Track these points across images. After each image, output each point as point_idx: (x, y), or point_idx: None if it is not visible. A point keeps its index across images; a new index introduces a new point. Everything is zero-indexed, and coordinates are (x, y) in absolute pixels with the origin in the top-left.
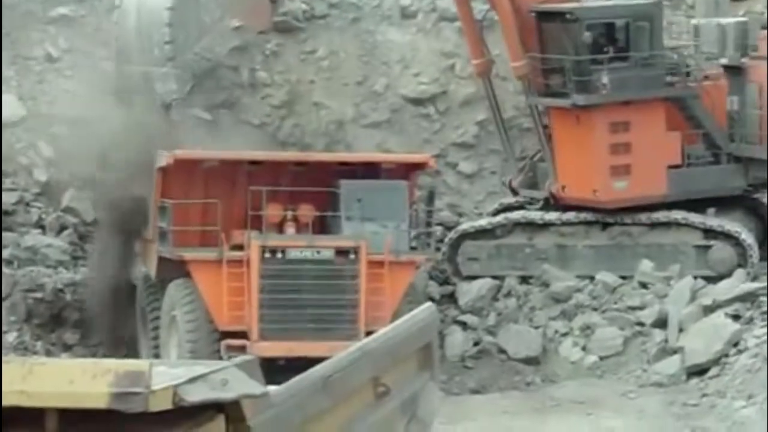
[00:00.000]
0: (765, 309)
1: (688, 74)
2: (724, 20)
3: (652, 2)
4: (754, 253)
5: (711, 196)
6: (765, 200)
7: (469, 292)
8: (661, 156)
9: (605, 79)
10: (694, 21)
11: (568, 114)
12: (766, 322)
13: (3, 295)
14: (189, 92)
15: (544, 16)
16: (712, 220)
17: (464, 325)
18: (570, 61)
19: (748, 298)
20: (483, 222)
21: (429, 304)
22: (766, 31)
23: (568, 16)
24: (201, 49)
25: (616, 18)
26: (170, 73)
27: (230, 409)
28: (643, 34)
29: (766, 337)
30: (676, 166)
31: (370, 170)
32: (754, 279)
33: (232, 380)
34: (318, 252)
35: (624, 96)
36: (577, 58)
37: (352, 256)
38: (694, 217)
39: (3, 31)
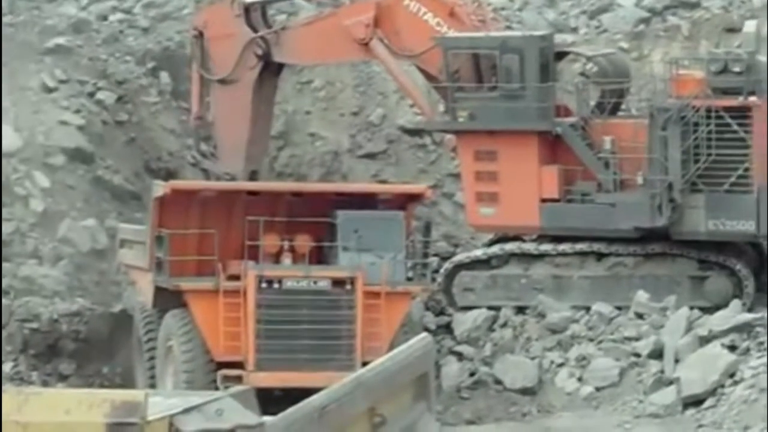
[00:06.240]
0: (761, 340)
1: (564, 108)
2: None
3: (522, 35)
4: (750, 283)
5: (595, 236)
6: None
7: (464, 322)
8: (533, 188)
9: (457, 107)
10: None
11: None
12: (762, 353)
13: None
14: None
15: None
16: (707, 250)
17: (460, 356)
18: (440, 88)
19: (744, 328)
20: (478, 252)
21: (425, 334)
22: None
23: (435, 44)
24: None
25: (480, 49)
26: None
27: None
28: (513, 67)
29: (762, 368)
30: (555, 200)
31: (366, 201)
32: (750, 309)
33: (227, 410)
34: (314, 282)
35: (482, 125)
36: (437, 85)
37: (348, 287)
38: (690, 248)
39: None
